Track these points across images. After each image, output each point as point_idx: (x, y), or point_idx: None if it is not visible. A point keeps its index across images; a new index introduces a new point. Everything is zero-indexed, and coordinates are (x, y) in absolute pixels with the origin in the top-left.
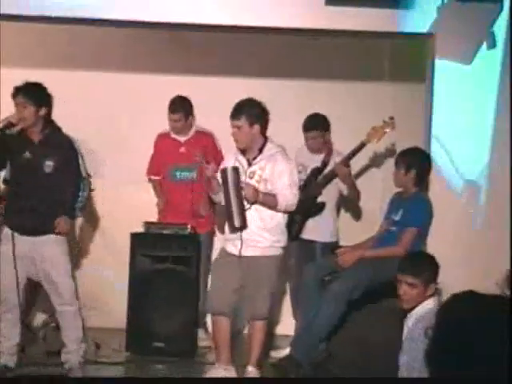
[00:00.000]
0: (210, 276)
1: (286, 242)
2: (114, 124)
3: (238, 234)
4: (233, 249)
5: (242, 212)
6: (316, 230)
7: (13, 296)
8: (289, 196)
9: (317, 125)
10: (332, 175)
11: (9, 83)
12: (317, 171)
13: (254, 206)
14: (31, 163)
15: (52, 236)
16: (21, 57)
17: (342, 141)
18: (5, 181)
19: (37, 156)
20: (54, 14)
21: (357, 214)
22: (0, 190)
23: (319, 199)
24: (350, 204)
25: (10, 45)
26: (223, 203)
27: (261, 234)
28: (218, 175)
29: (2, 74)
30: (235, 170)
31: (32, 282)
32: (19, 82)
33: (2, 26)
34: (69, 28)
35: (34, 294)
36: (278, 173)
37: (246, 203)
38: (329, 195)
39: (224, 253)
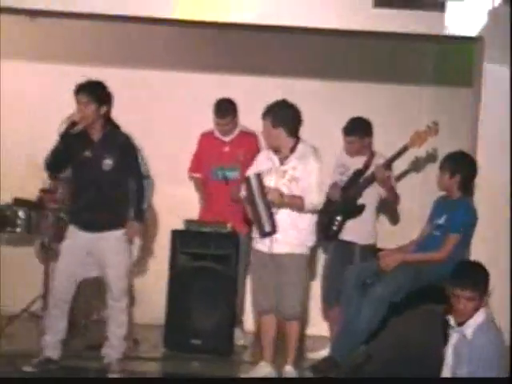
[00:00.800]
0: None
1: (314, 242)
2: (154, 121)
3: None
4: (263, 247)
5: (271, 216)
6: (355, 231)
7: (66, 291)
8: (315, 197)
9: (355, 130)
10: (372, 178)
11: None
12: (358, 173)
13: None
14: (91, 161)
15: (113, 232)
16: (76, 53)
17: (384, 144)
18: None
19: (96, 154)
20: (106, 12)
21: (395, 218)
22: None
23: (360, 201)
24: (389, 207)
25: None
26: (250, 210)
27: (290, 232)
28: None
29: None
30: (258, 176)
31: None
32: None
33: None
34: (111, 25)
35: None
36: (308, 172)
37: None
38: (369, 197)
39: (256, 252)
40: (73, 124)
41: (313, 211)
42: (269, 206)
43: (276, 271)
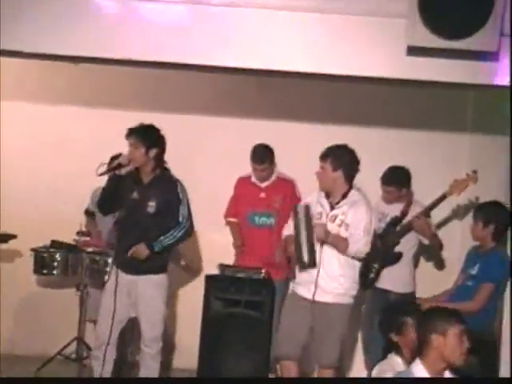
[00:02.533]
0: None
1: (357, 291)
2: (190, 166)
3: (313, 278)
4: (306, 293)
5: (312, 249)
6: (391, 279)
7: (107, 332)
8: (361, 243)
9: (394, 180)
10: (410, 226)
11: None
12: (396, 220)
13: (333, 253)
14: (138, 204)
15: (151, 276)
16: (120, 98)
17: (422, 191)
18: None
19: (143, 196)
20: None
21: (437, 265)
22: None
23: (397, 249)
24: (430, 254)
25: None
26: (294, 240)
27: (337, 281)
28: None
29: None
30: (307, 207)
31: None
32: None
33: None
34: (150, 71)
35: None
36: (358, 219)
37: (317, 243)
38: (407, 245)
39: (295, 296)
40: (119, 166)
41: (354, 257)
42: (312, 239)
43: (315, 319)
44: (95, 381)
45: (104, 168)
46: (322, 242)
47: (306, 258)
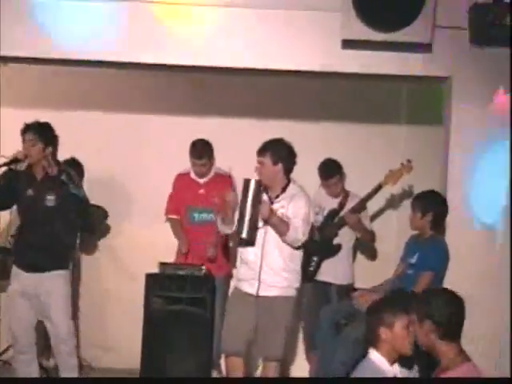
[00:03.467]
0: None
1: (300, 284)
2: (131, 163)
3: (257, 273)
4: (249, 288)
5: (253, 227)
6: (331, 271)
7: (24, 335)
8: (299, 230)
9: (335, 171)
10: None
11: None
12: (333, 213)
13: (275, 245)
14: (34, 199)
15: (55, 272)
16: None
17: (358, 183)
18: None
19: (39, 192)
20: (75, 57)
21: (372, 256)
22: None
23: (335, 241)
24: (366, 246)
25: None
26: (238, 213)
27: (280, 275)
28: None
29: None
30: (258, 183)
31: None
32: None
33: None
34: (88, 70)
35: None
36: (297, 210)
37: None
38: (345, 237)
39: (239, 292)
40: (16, 160)
41: (291, 244)
42: (256, 216)
43: (260, 313)
44: (95, 381)
45: (1, 161)
46: (265, 223)
47: (244, 233)
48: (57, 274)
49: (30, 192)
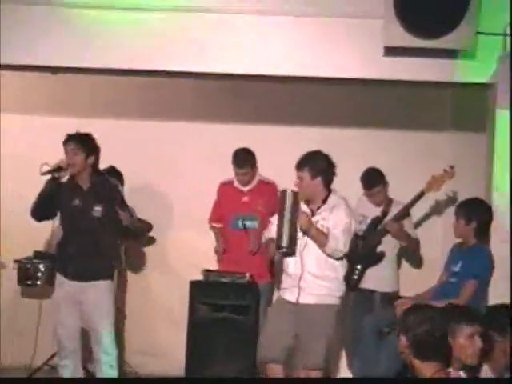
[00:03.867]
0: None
1: (343, 293)
2: (174, 171)
3: (296, 281)
4: (290, 296)
5: (293, 237)
6: (375, 279)
7: (69, 341)
8: (339, 241)
9: (378, 181)
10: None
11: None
12: (377, 221)
13: (314, 254)
14: (81, 209)
15: (99, 282)
16: (96, 106)
17: (401, 190)
18: None
19: (86, 202)
20: (111, 66)
21: (418, 263)
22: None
23: (379, 249)
24: (411, 253)
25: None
26: (276, 224)
27: (318, 282)
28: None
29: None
30: (295, 194)
31: None
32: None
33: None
34: (125, 78)
35: None
36: (338, 220)
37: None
38: (388, 245)
39: (281, 300)
40: (59, 168)
41: (332, 255)
42: (295, 226)
43: (300, 321)
44: (95, 381)
45: (45, 168)
46: (304, 234)
47: (284, 242)
48: (100, 284)
49: (76, 202)
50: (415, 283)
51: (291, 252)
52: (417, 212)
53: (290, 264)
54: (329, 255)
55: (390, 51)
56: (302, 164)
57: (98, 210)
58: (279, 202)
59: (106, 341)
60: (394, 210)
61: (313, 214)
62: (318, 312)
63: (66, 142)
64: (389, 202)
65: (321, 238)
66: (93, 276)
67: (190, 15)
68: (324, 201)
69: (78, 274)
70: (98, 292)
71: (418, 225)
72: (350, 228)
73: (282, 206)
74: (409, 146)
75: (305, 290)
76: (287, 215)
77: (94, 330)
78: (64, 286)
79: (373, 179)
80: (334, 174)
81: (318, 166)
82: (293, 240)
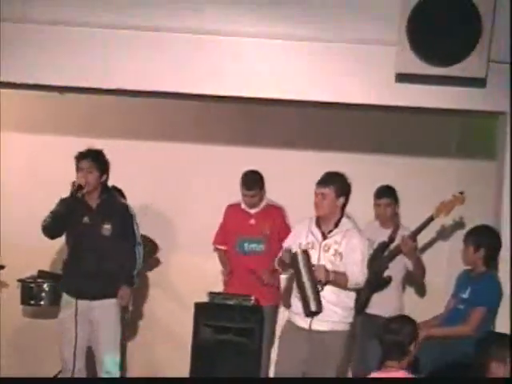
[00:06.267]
0: (275, 348)
1: (353, 318)
2: (182, 193)
3: None
4: (302, 323)
5: (317, 295)
6: (381, 304)
7: (72, 360)
8: (359, 273)
9: (388, 193)
10: (398, 250)
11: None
12: (383, 245)
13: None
14: (90, 227)
15: (107, 301)
16: (101, 127)
17: (409, 215)
18: None
19: (95, 220)
20: (125, 87)
21: (421, 290)
22: None
23: (385, 274)
24: (415, 280)
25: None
26: (295, 286)
27: (333, 309)
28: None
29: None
30: (305, 252)
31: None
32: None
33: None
34: (139, 100)
35: None
36: (352, 247)
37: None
38: (395, 270)
39: (292, 326)
40: (80, 187)
41: (354, 289)
42: (315, 283)
43: (312, 347)
44: (95, 381)
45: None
46: (325, 283)
47: (313, 307)
48: (107, 303)
49: (85, 220)
50: (419, 308)
51: (320, 312)
52: (421, 237)
53: None
54: (350, 290)
55: (403, 78)
56: (328, 181)
57: (107, 228)
58: (292, 265)
59: (109, 361)
60: (401, 236)
61: (324, 237)
62: (331, 339)
63: (79, 160)
64: (396, 228)
65: (341, 281)
66: (99, 295)
67: (206, 38)
68: (336, 224)
69: (84, 292)
70: (104, 311)
71: (423, 250)
72: (365, 255)
73: (296, 269)
74: (416, 174)
75: (318, 316)
76: (305, 276)
77: (97, 349)
78: (71, 304)
79: (384, 191)
80: (349, 198)
81: (344, 186)
82: (318, 297)
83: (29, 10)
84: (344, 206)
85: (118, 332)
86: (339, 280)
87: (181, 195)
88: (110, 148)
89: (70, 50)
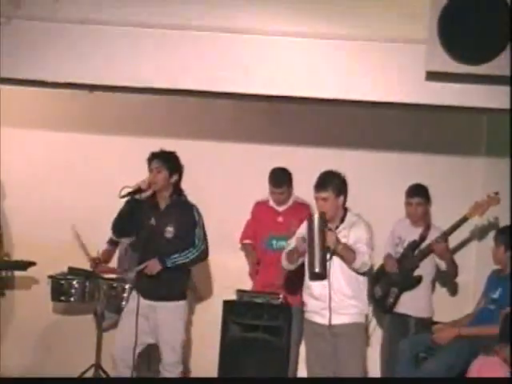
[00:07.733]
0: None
1: (368, 310)
2: (207, 191)
3: (326, 304)
4: (321, 319)
5: (324, 260)
6: (411, 304)
7: (123, 356)
8: (365, 255)
9: (421, 192)
10: (429, 250)
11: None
12: (414, 245)
13: (340, 273)
14: (155, 229)
15: (172, 303)
16: (128, 125)
17: (440, 215)
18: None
19: (161, 222)
20: (148, 85)
21: (453, 288)
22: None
23: (415, 273)
24: (447, 279)
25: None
26: (306, 250)
27: (349, 302)
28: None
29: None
30: (321, 217)
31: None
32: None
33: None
34: (166, 98)
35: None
36: (359, 236)
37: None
38: (425, 269)
39: (312, 325)
40: (139, 190)
41: (359, 270)
42: (325, 249)
43: (334, 341)
44: (95, 381)
45: (125, 191)
46: (332, 254)
47: (318, 268)
48: (171, 305)
49: (152, 221)
50: (447, 308)
51: (324, 275)
52: (451, 239)
53: (316, 287)
54: (356, 270)
55: (433, 76)
56: (325, 184)
57: (169, 230)
58: (307, 229)
59: (169, 359)
60: (432, 235)
61: None
62: (353, 330)
63: (150, 160)
64: (427, 227)
65: (349, 254)
66: (165, 296)
67: (231, 36)
68: (342, 219)
69: (149, 293)
70: (168, 313)
71: (452, 252)
72: (371, 243)
73: (310, 231)
74: (446, 172)
75: (336, 310)
76: (316, 240)
77: (159, 346)
78: (138, 302)
79: (416, 189)
80: (347, 192)
81: (340, 185)
82: (324, 263)
83: (59, 8)
84: (345, 201)
85: (180, 333)
86: (347, 254)
87: (205, 194)
88: (134, 147)
89: (101, 48)
